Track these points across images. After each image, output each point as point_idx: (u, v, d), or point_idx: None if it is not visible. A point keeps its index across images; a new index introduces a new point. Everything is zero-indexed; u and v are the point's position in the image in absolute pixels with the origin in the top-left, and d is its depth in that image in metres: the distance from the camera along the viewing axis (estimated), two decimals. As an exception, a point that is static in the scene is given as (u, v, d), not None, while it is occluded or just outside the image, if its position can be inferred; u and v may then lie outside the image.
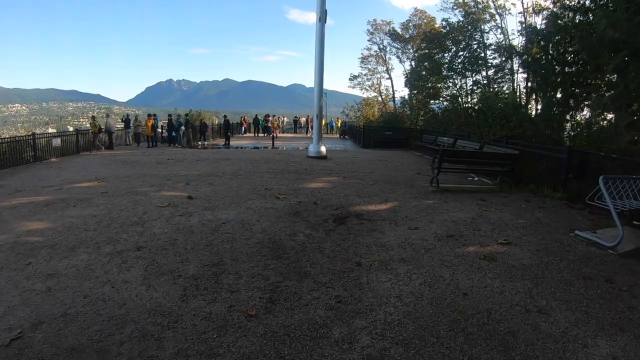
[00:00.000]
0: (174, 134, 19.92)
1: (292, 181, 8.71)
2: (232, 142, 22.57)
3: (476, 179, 10.22)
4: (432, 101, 22.56)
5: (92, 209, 6.47)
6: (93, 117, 17.89)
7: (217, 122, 29.35)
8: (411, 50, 33.62)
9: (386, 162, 13.24)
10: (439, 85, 21.66)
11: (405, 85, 28.36)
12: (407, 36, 33.81)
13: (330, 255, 4.43)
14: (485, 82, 20.38)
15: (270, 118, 31.12)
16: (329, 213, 6.18)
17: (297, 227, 5.44)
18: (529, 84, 17.85)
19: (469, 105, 19.63)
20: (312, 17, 13.59)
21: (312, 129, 36.11)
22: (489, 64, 20.39)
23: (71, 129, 22.38)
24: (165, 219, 5.86)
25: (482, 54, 20.64)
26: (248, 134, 31.78)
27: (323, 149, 14.06)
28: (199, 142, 20.66)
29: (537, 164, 9.45)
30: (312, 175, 9.55)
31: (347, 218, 5.92)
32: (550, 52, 14.41)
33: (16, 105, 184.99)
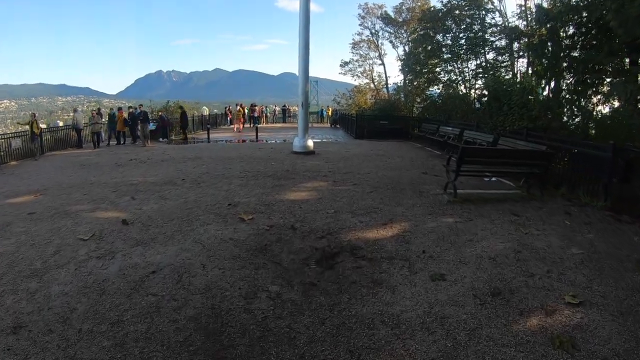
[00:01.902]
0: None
1: (267, 190, 6.84)
2: (214, 135, 20.60)
3: (493, 179, 8.43)
4: (430, 87, 20.65)
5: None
6: (33, 115, 14.46)
7: (202, 113, 26.96)
8: (404, 35, 31.77)
9: (384, 157, 11.37)
10: (438, 69, 19.72)
11: (402, 70, 26.41)
12: (400, 20, 32.06)
13: (308, 352, 2.60)
14: (486, 66, 18.58)
15: (237, 107, 26.38)
16: (312, 246, 4.35)
17: (261, 280, 3.60)
18: (530, 70, 16.24)
19: (474, 91, 17.78)
20: (301, 5, 11.57)
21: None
22: (494, 46, 18.51)
23: (61, 123, 20.42)
24: (76, 264, 4.04)
25: (485, 36, 18.75)
26: (233, 125, 29.71)
27: (310, 143, 12.14)
28: (166, 139, 18.48)
29: (569, 163, 7.68)
30: (294, 180, 7.68)
31: (337, 256, 4.09)
32: (559, 34, 12.72)
33: (5, 101, 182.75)
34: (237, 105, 26.79)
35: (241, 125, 24.80)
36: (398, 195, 6.51)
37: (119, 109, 18.17)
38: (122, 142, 17.12)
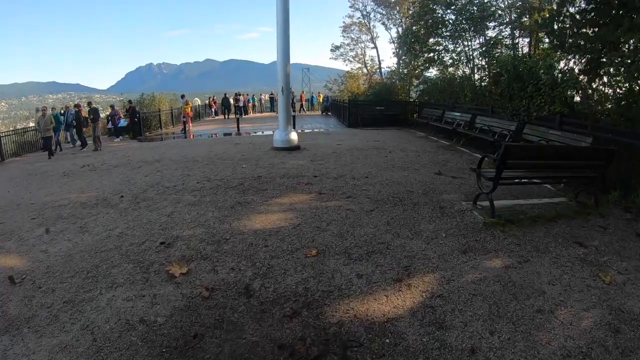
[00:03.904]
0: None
1: (223, 212, 4.94)
2: (196, 129, 18.77)
3: (524, 180, 6.62)
4: (430, 69, 18.72)
5: None
6: None
7: (173, 106, 24.48)
8: (398, 16, 29.68)
9: (383, 151, 9.47)
10: (439, 48, 17.73)
11: (397, 52, 24.42)
12: (393, 0, 29.82)
13: None
14: (490, 44, 16.67)
15: (184, 100, 19.99)
16: (274, 339, 2.52)
17: None
18: (533, 49, 14.50)
19: (481, 71, 15.86)
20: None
21: (303, 107, 31.32)
22: (500, 22, 16.55)
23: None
24: None
25: (491, 9, 16.78)
26: (219, 117, 27.78)
27: (293, 136, 10.11)
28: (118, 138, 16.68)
29: (622, 160, 5.87)
30: (265, 193, 5.77)
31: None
32: (569, 9, 10.94)
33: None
34: (182, 97, 20.89)
35: (190, 123, 19.08)
36: (411, 216, 4.67)
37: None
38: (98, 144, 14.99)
